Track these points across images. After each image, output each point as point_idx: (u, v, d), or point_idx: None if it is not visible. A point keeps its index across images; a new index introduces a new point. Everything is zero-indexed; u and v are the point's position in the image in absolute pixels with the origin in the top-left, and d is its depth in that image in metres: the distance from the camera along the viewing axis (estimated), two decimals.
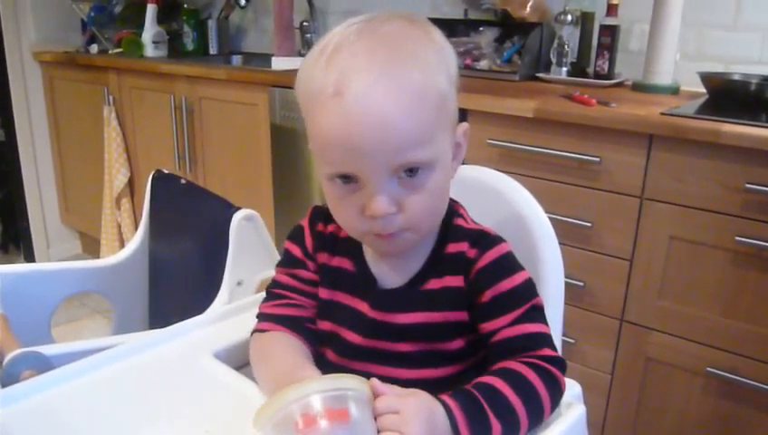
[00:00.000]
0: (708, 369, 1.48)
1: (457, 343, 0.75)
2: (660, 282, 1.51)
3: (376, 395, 0.61)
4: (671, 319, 1.52)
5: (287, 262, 0.84)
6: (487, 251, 0.75)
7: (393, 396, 0.61)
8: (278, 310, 0.80)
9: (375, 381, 0.61)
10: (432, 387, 0.68)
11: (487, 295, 0.73)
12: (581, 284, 1.61)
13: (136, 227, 2.76)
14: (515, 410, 0.65)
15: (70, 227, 3.32)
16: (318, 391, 0.57)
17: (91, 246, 3.21)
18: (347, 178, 0.68)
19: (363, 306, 0.77)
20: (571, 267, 1.60)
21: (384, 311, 0.76)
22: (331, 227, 0.81)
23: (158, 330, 0.87)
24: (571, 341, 1.66)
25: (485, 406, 0.64)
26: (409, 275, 0.77)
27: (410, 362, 0.75)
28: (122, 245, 2.82)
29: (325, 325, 0.80)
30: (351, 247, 0.79)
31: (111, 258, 1.39)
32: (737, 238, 1.38)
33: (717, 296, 1.45)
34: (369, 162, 0.66)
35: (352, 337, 0.77)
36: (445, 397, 0.64)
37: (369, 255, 0.79)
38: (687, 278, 1.48)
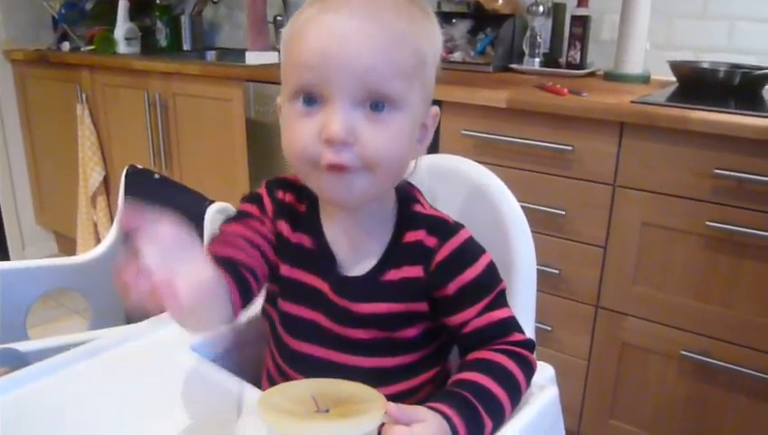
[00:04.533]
0: (682, 352, 1.51)
1: (413, 331, 0.76)
2: (634, 268, 1.54)
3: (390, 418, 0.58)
4: (645, 304, 1.55)
5: (237, 217, 0.80)
6: (447, 241, 0.75)
7: (405, 430, 0.59)
8: (214, 248, 0.72)
9: (392, 408, 0.58)
10: (386, 375, 0.74)
11: (452, 288, 0.74)
12: (557, 271, 1.63)
13: (112, 224, 2.74)
14: (503, 406, 0.68)
15: (45, 227, 3.28)
16: None
17: (67, 246, 3.18)
18: (310, 99, 0.67)
19: (324, 286, 0.76)
20: (546, 255, 1.62)
21: (345, 298, 0.75)
22: (289, 197, 0.80)
23: (133, 324, 0.87)
24: (548, 328, 1.68)
25: (482, 412, 0.66)
26: (368, 259, 0.76)
27: (366, 350, 0.75)
28: (99, 243, 2.79)
29: (288, 307, 0.78)
30: (311, 223, 0.78)
31: (86, 255, 1.38)
32: (708, 223, 1.41)
33: (690, 281, 1.48)
34: (338, 76, 0.64)
35: (317, 317, 0.76)
36: (446, 409, 0.63)
37: (328, 231, 0.77)
38: (660, 264, 1.51)
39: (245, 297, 0.69)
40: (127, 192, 1.38)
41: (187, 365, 0.78)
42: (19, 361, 0.93)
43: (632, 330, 1.58)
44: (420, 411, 0.61)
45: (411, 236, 0.76)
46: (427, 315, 0.76)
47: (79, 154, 2.78)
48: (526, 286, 0.89)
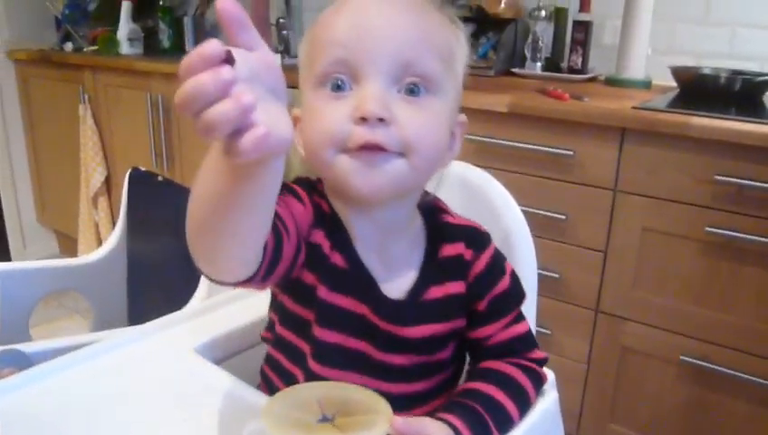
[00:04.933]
0: (682, 357, 1.51)
1: (448, 352, 0.73)
2: (634, 272, 1.54)
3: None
4: (645, 309, 1.55)
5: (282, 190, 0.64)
6: (483, 252, 0.73)
7: None
8: None
9: (398, 422, 0.56)
10: (416, 399, 0.71)
11: (484, 302, 0.72)
12: (557, 275, 1.63)
13: (113, 226, 2.75)
14: (513, 421, 0.69)
15: (46, 226, 3.28)
16: None
17: (69, 246, 3.18)
18: (339, 84, 0.62)
19: (365, 310, 0.69)
20: (547, 259, 1.62)
21: (391, 322, 0.69)
22: (324, 205, 0.70)
23: (137, 326, 0.87)
24: (548, 332, 1.68)
25: (491, 425, 0.65)
26: (404, 277, 0.70)
27: (401, 376, 0.71)
28: (100, 243, 2.80)
29: (327, 335, 0.68)
30: (341, 238, 0.69)
31: (89, 256, 1.39)
32: (708, 229, 1.41)
33: (689, 286, 1.48)
34: (374, 48, 0.60)
35: (360, 345, 0.69)
36: (455, 421, 0.63)
37: (360, 248, 0.69)
38: (660, 268, 1.51)
39: (275, 252, 0.58)
40: (130, 194, 1.39)
41: (191, 368, 0.78)
42: (24, 362, 0.94)
43: (632, 334, 1.58)
44: (427, 425, 0.60)
45: (449, 250, 0.72)
46: (462, 332, 0.73)
47: (81, 154, 2.79)
48: (527, 290, 0.89)
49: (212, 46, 0.38)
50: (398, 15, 0.62)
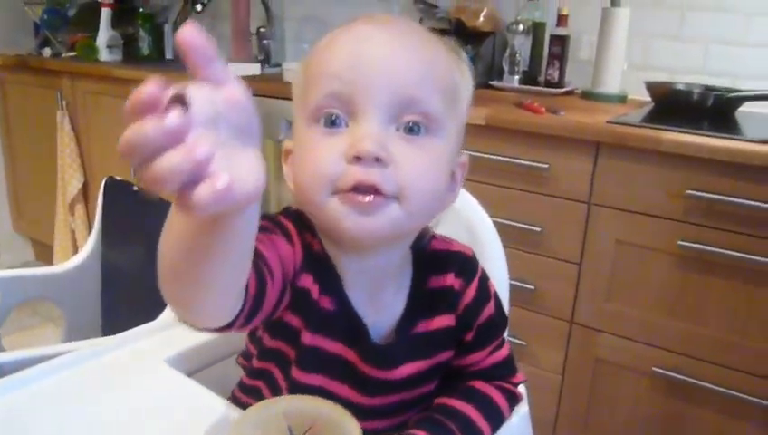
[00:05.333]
0: (654, 368, 1.53)
1: (433, 385, 0.71)
2: (608, 285, 1.56)
3: None
4: (618, 321, 1.57)
5: (265, 225, 0.62)
6: (472, 281, 0.70)
7: None
8: None
9: None
10: (395, 428, 0.69)
11: (472, 332, 0.70)
12: (532, 287, 1.65)
13: (90, 234, 2.73)
14: None
15: (21, 233, 3.24)
16: None
17: (44, 253, 3.15)
18: (334, 120, 0.57)
19: (350, 355, 0.66)
20: (522, 271, 1.64)
21: (378, 367, 0.66)
22: (317, 245, 0.65)
23: (109, 337, 0.87)
24: (523, 343, 1.69)
25: None
26: (391, 311, 0.68)
27: (385, 414, 0.69)
28: (76, 251, 2.78)
29: (306, 378, 0.66)
30: (329, 278, 0.65)
31: (63, 265, 1.37)
32: (680, 242, 1.44)
33: (662, 298, 1.50)
34: (373, 82, 0.56)
35: (341, 389, 0.66)
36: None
37: (350, 291, 0.66)
38: (633, 281, 1.53)
39: (257, 298, 0.54)
40: (105, 203, 1.38)
41: (162, 379, 0.78)
42: None
43: (605, 346, 1.60)
44: None
45: (438, 281, 0.69)
46: (448, 362, 0.71)
47: (58, 161, 2.76)
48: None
49: (153, 87, 0.33)
50: (400, 48, 0.58)
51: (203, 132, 0.34)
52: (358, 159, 0.55)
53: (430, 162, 0.59)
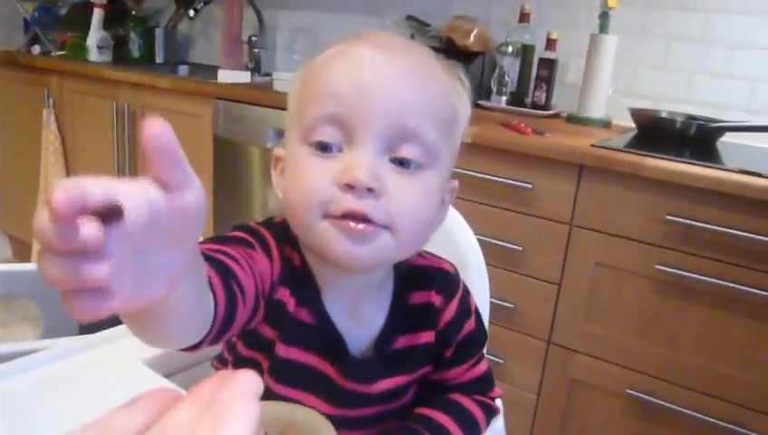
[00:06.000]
0: (628, 391, 1.54)
1: (411, 395, 0.72)
2: (586, 306, 1.58)
3: None
4: (595, 342, 1.58)
5: (237, 241, 0.62)
6: (453, 297, 0.70)
7: None
8: (203, 247, 0.57)
9: None
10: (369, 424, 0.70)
11: (452, 348, 0.71)
12: (512, 306, 1.66)
13: None
14: None
15: (0, 230, 3.21)
16: None
17: (21, 250, 3.12)
18: (326, 146, 0.57)
19: (328, 369, 0.66)
20: (502, 289, 1.65)
21: (356, 381, 0.66)
22: (297, 258, 0.65)
23: (87, 335, 0.86)
24: (500, 361, 1.70)
25: None
26: (371, 326, 0.67)
27: (365, 425, 0.69)
28: None
29: (281, 390, 0.66)
30: (309, 292, 0.65)
31: None
32: (658, 267, 1.46)
33: (638, 321, 1.52)
34: (372, 108, 0.55)
35: (318, 403, 0.66)
36: None
37: (329, 304, 0.66)
38: (611, 303, 1.55)
39: (226, 319, 0.52)
40: None
41: (140, 381, 0.77)
42: None
43: (581, 367, 1.61)
44: None
45: (419, 298, 0.69)
46: (426, 376, 0.72)
47: (41, 159, 2.74)
48: None
49: (99, 193, 0.28)
50: (401, 75, 0.57)
51: (118, 249, 0.30)
52: (350, 187, 0.55)
53: (422, 194, 0.59)
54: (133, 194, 0.31)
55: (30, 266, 1.37)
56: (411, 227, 0.58)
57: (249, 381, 0.29)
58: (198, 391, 0.30)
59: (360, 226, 0.56)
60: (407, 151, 0.57)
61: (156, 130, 0.32)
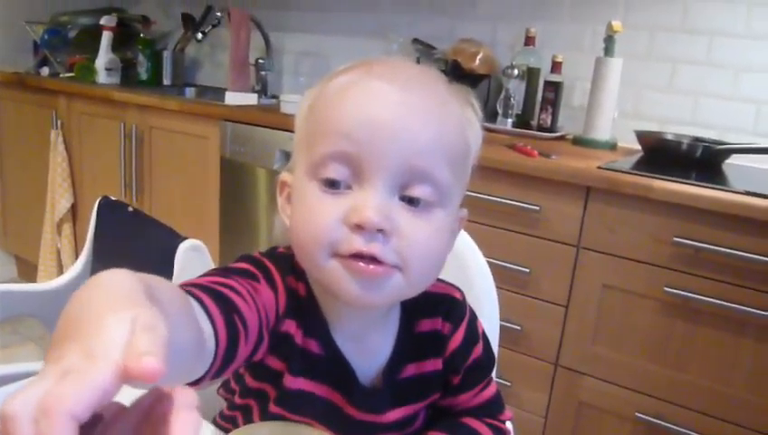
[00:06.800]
0: (637, 414, 1.53)
1: (420, 422, 0.72)
2: (593, 328, 1.57)
3: None
4: (603, 365, 1.57)
5: (239, 272, 0.61)
6: (460, 325, 0.70)
7: None
8: (206, 280, 0.56)
9: None
10: None
11: (459, 375, 0.71)
12: (518, 328, 1.65)
13: (76, 254, 2.71)
14: None
15: (6, 250, 3.22)
16: None
17: (27, 271, 3.12)
18: (334, 182, 0.56)
19: (338, 399, 0.66)
20: (509, 311, 1.64)
21: (367, 411, 0.66)
22: (302, 289, 0.65)
23: None
24: (508, 383, 1.69)
25: None
26: (378, 355, 0.67)
27: None
28: (61, 271, 2.76)
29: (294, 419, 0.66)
30: (317, 322, 0.65)
31: (52, 282, 1.36)
32: (666, 289, 1.45)
33: (647, 344, 1.51)
34: (385, 149, 0.54)
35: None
36: None
37: (333, 331, 0.65)
38: (619, 325, 1.54)
39: (227, 355, 0.52)
40: (98, 223, 1.38)
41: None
42: None
43: (589, 389, 1.60)
44: None
45: (427, 325, 0.68)
46: (435, 402, 0.72)
47: (48, 180, 2.76)
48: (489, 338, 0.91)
49: (82, 405, 0.27)
50: (415, 113, 0.55)
51: None
52: (360, 227, 0.54)
53: (433, 232, 0.58)
54: (114, 397, 0.29)
55: (35, 287, 1.38)
56: (422, 267, 0.58)
57: (185, 395, 0.30)
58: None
59: (371, 266, 0.55)
60: (418, 191, 0.56)
61: (153, 365, 0.29)
